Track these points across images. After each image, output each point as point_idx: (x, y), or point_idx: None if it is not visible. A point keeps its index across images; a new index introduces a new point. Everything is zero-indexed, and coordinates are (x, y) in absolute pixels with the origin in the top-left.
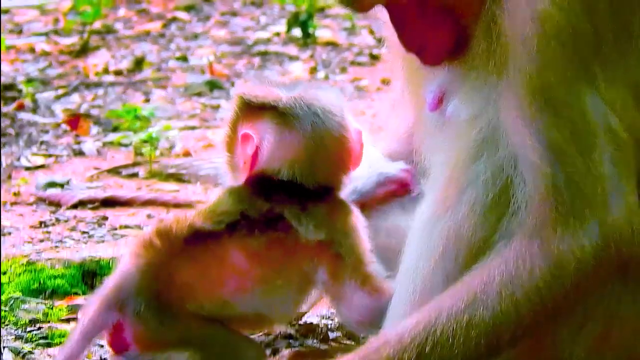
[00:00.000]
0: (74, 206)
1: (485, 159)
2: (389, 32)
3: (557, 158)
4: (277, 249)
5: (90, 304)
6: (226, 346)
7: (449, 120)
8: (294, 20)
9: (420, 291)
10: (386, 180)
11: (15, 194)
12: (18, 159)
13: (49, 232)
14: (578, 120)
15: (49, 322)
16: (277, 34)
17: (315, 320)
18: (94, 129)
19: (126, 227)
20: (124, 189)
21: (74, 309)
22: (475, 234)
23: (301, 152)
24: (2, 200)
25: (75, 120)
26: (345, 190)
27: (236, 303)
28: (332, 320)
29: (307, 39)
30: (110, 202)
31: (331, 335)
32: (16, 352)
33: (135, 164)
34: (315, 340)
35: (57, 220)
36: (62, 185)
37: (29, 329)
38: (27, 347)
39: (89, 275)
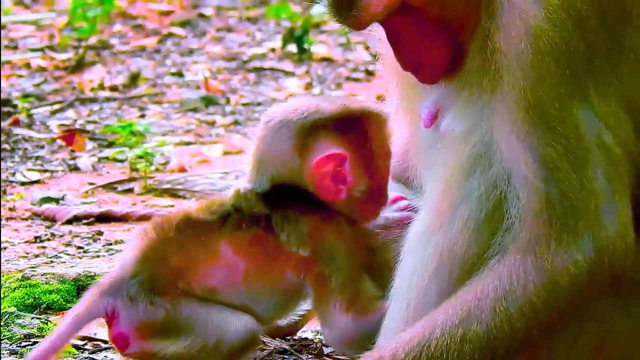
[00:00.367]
0: (69, 221)
1: (479, 174)
2: (383, 48)
3: (550, 174)
4: (261, 247)
5: (89, 292)
6: (214, 318)
7: (443, 135)
8: (290, 36)
9: (414, 307)
10: (390, 222)
11: (10, 209)
12: (13, 174)
13: (44, 247)
14: (571, 136)
15: (43, 337)
16: (273, 50)
17: (310, 336)
18: (89, 145)
19: (121, 242)
20: (119, 204)
21: None
22: (468, 250)
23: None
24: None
25: (70, 135)
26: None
27: (224, 293)
28: None
29: (303, 55)
30: (105, 218)
31: (326, 350)
32: None
33: (130, 180)
34: (310, 356)
35: (52, 235)
36: (57, 201)
37: (23, 343)
38: None
39: (84, 290)
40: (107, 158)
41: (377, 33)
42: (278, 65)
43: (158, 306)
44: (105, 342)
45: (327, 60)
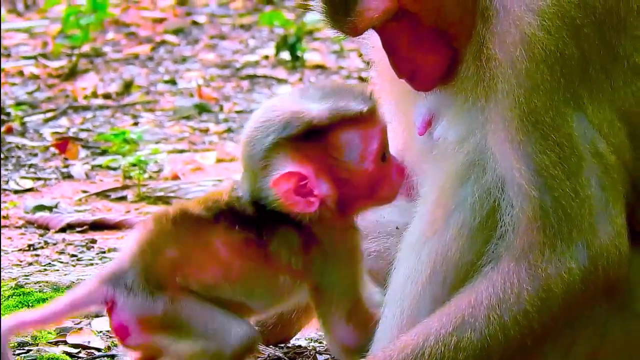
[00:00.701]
0: (63, 229)
1: (473, 182)
2: (377, 55)
3: (544, 181)
4: (254, 250)
5: (88, 280)
6: (214, 322)
7: (437, 143)
8: (283, 43)
9: (408, 314)
10: None
11: (3, 217)
12: (7, 182)
13: (37, 255)
14: (565, 144)
15: (37, 345)
16: (266, 57)
17: (304, 343)
18: (83, 153)
19: (114, 250)
20: (113, 212)
21: (62, 332)
22: (462, 257)
23: None
24: None
25: (63, 143)
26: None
27: (220, 289)
28: (320, 343)
29: (296, 62)
30: (98, 226)
31: (320, 358)
32: None
33: (123, 187)
34: None
35: (46, 243)
36: (50, 209)
37: (17, 351)
38: None
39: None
40: (100, 166)
41: (370, 40)
42: (271, 73)
43: (157, 300)
44: (98, 350)
45: (320, 67)
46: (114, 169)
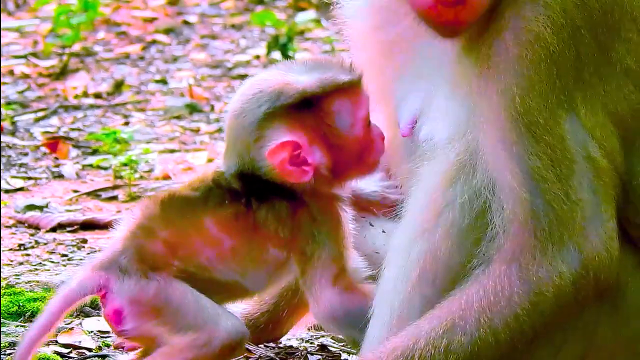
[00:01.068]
0: (53, 229)
1: (463, 182)
2: (362, 56)
3: (536, 184)
4: (243, 223)
5: (78, 270)
6: (205, 312)
7: (423, 143)
8: (274, 43)
9: (398, 314)
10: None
11: None
12: None
13: (28, 255)
14: (558, 146)
15: None
16: (257, 57)
17: (295, 344)
18: (73, 152)
19: None
20: (104, 212)
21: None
22: (451, 257)
23: None
24: None
25: (54, 143)
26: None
27: (215, 270)
28: (312, 343)
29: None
30: (89, 225)
31: (311, 358)
32: None
33: (114, 187)
34: None
35: (37, 243)
36: (41, 208)
37: (8, 351)
38: None
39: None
40: (91, 165)
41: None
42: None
43: (150, 280)
44: (89, 350)
45: None
46: (105, 168)
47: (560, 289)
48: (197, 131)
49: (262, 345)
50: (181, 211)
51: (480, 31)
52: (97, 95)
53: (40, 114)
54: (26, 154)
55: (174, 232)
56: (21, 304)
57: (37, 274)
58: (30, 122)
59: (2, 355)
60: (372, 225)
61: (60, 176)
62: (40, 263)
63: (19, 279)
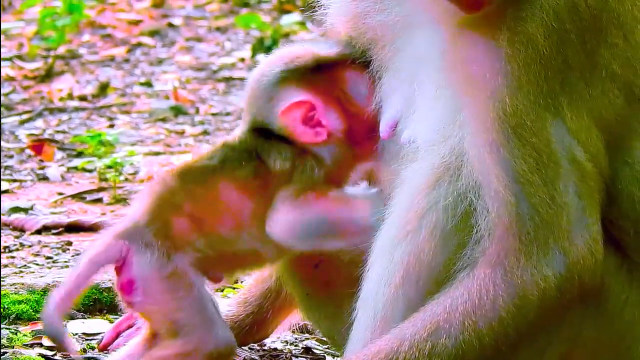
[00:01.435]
0: (38, 231)
1: (448, 184)
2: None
3: (521, 187)
4: (259, 181)
5: (100, 236)
6: (205, 313)
7: (406, 145)
8: (259, 45)
9: (382, 316)
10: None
11: None
12: None
13: (13, 257)
14: (543, 150)
15: (13, 347)
16: (242, 60)
17: (280, 346)
18: (58, 154)
19: None
20: (88, 214)
21: (38, 334)
22: (435, 259)
23: None
24: None
25: (39, 145)
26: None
27: (235, 240)
28: (296, 346)
29: None
30: (74, 228)
31: None
32: None
33: (99, 190)
34: None
35: (21, 245)
36: (26, 211)
37: None
38: None
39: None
40: (76, 168)
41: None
42: (247, 75)
43: (170, 261)
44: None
45: None
46: (90, 171)
47: (544, 293)
48: (182, 133)
49: (246, 348)
50: (200, 180)
51: (468, 27)
52: (82, 98)
53: (25, 116)
54: (11, 157)
55: (197, 204)
56: (6, 307)
57: (22, 276)
58: (15, 125)
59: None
60: None
61: (45, 178)
62: (25, 265)
63: (3, 281)
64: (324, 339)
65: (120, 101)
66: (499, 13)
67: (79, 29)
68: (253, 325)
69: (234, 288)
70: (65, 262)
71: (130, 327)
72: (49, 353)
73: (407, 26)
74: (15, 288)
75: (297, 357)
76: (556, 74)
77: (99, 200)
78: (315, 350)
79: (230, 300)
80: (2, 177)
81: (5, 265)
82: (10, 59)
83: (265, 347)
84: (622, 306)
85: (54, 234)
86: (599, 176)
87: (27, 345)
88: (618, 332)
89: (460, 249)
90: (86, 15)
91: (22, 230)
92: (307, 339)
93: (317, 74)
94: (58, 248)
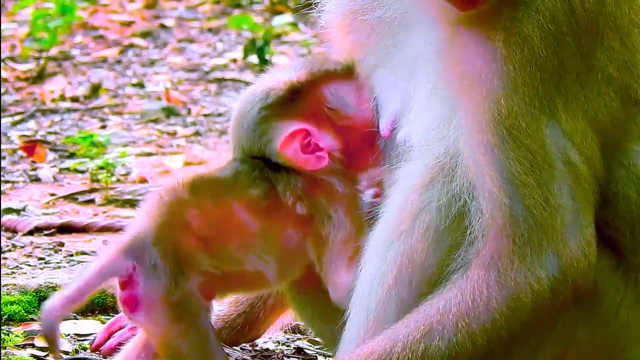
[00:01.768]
0: (30, 232)
1: (441, 185)
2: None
3: (515, 189)
4: (268, 203)
5: (107, 249)
6: (208, 342)
7: (403, 144)
8: (251, 46)
9: (375, 316)
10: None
11: None
12: None
13: (5, 258)
14: (538, 151)
15: (5, 348)
16: (234, 61)
17: (272, 346)
18: (50, 156)
19: (82, 253)
20: (80, 215)
21: (30, 335)
22: (428, 259)
23: None
24: None
25: (31, 146)
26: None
27: (241, 260)
28: (288, 346)
29: (264, 66)
30: (66, 229)
31: None
32: None
33: (91, 191)
34: None
35: (14, 246)
36: (18, 212)
37: None
38: None
39: (45, 301)
40: (68, 169)
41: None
42: (239, 76)
43: (177, 288)
44: (66, 353)
45: None
46: (82, 172)
47: (538, 295)
48: (173, 134)
49: (238, 348)
50: (211, 194)
51: (465, 26)
52: (74, 99)
53: (18, 117)
54: (3, 158)
55: (205, 220)
56: None
57: (14, 277)
58: (8, 126)
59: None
60: None
61: (37, 179)
62: (18, 266)
63: None
64: (316, 339)
65: (112, 102)
66: (495, 13)
67: (71, 31)
68: (245, 325)
69: None
70: (58, 263)
71: (122, 327)
72: (41, 354)
73: (405, 23)
74: (8, 289)
75: (288, 357)
76: (552, 76)
77: (91, 201)
78: (307, 351)
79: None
80: None
81: None
82: (2, 60)
83: (257, 348)
84: (617, 307)
85: (46, 235)
86: (594, 178)
87: (19, 346)
88: (612, 333)
89: (454, 250)
90: (78, 17)
91: (14, 231)
92: (299, 339)
93: (297, 101)
94: (50, 249)
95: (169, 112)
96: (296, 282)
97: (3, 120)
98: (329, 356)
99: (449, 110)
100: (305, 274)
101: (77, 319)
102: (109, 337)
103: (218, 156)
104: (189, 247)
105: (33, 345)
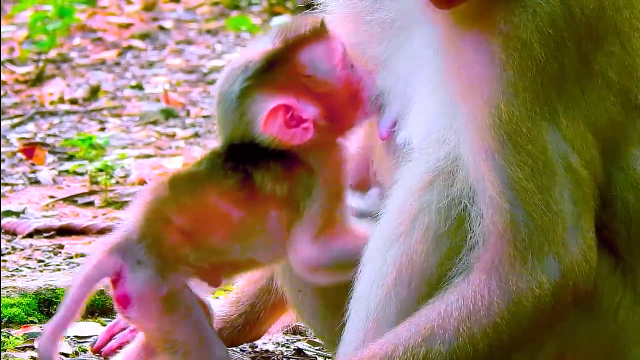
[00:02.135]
0: (30, 235)
1: (442, 188)
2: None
3: (516, 194)
4: (246, 191)
5: (94, 250)
6: (203, 332)
7: (402, 146)
8: None
9: (374, 317)
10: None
11: None
12: None
13: (4, 261)
14: (539, 157)
15: (5, 350)
16: None
17: (271, 348)
18: (50, 158)
19: (82, 255)
20: (80, 217)
21: (30, 337)
22: (427, 261)
23: None
24: None
25: (30, 149)
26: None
27: (227, 250)
28: (288, 347)
29: None
30: (66, 231)
31: None
32: None
33: (90, 193)
34: None
35: (13, 249)
36: (17, 214)
37: None
38: None
39: (45, 304)
40: (67, 171)
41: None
42: None
43: (165, 281)
44: (66, 355)
45: None
46: (81, 174)
47: (539, 300)
48: (172, 136)
49: (238, 349)
50: (189, 188)
51: (466, 30)
52: (73, 101)
53: (17, 120)
54: (3, 160)
55: (186, 214)
56: None
57: (14, 280)
58: (7, 129)
59: None
60: None
61: (36, 182)
62: (17, 269)
63: None
64: (316, 340)
65: (111, 104)
66: (492, 15)
67: (70, 33)
68: (245, 325)
69: (224, 290)
70: (57, 265)
71: (123, 329)
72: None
73: (405, 26)
74: (7, 291)
75: (288, 358)
76: (552, 81)
77: (91, 203)
78: (306, 352)
79: (223, 300)
80: None
81: None
82: (1, 63)
83: (257, 349)
84: (616, 308)
85: (45, 237)
86: (594, 182)
87: (19, 348)
88: (612, 333)
89: (453, 253)
90: (77, 19)
91: (13, 233)
92: (299, 340)
93: (274, 70)
94: (50, 251)
95: (168, 114)
96: (296, 278)
97: (2, 123)
98: (329, 357)
99: (449, 114)
100: None
101: (77, 321)
102: (110, 339)
103: None
104: (173, 242)
105: (33, 348)
